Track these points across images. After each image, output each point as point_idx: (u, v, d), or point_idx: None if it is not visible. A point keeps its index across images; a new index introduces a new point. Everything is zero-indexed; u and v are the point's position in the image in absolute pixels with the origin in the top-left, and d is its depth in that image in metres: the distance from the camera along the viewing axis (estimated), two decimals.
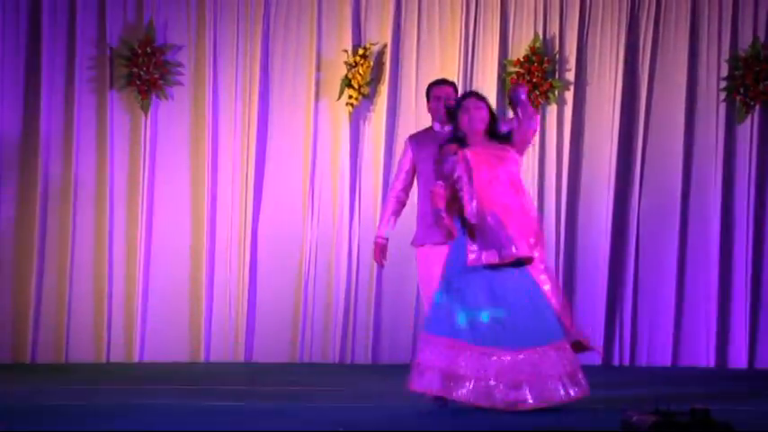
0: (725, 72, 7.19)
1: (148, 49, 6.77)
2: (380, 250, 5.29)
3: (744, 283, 7.15)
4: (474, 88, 7.05)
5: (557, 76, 7.13)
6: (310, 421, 4.64)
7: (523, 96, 4.84)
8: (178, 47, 6.90)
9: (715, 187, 7.19)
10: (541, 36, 7.10)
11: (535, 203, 6.83)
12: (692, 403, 3.91)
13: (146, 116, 6.85)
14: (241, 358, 6.90)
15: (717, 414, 3.74)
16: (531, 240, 4.76)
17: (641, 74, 7.18)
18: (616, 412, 4.06)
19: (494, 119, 4.90)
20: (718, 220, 7.18)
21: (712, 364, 7.11)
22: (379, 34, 7.06)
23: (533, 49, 7.06)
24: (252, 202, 6.95)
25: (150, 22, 6.82)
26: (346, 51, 6.93)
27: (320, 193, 7.02)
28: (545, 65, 7.05)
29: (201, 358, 6.85)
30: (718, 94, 7.21)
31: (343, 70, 6.95)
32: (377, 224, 6.93)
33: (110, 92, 6.84)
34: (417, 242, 5.22)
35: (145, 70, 6.77)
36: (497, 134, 4.88)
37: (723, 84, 7.20)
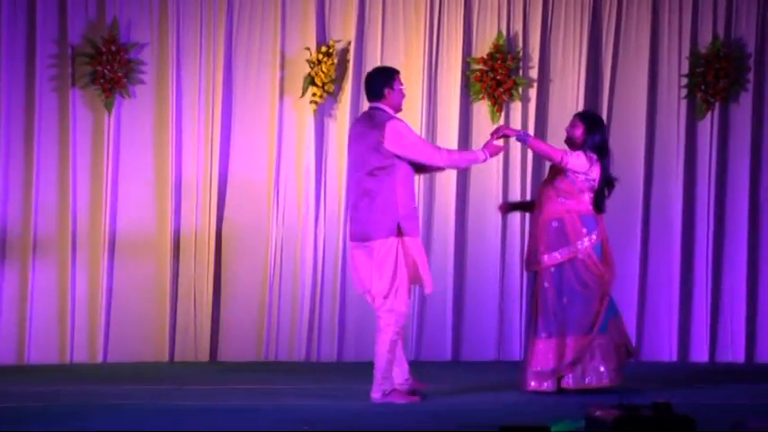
0: (685, 69, 7.27)
1: (112, 48, 6.71)
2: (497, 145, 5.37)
3: (705, 278, 7.24)
4: (438, 85, 7.11)
5: (520, 74, 7.17)
6: (276, 420, 4.63)
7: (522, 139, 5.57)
8: (141, 45, 6.85)
9: (676, 184, 7.27)
10: (505, 34, 7.14)
11: (500, 201, 6.90)
12: (654, 397, 3.95)
13: (109, 115, 6.78)
14: (206, 357, 6.86)
15: (679, 408, 3.79)
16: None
17: (603, 71, 7.24)
18: (581, 407, 4.09)
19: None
20: (680, 216, 7.25)
21: (675, 358, 7.19)
22: (343, 32, 7.05)
23: (497, 47, 7.09)
24: (216, 201, 6.92)
25: (114, 20, 6.76)
26: (308, 49, 6.92)
27: (285, 191, 7.00)
28: (509, 62, 7.09)
29: (166, 358, 6.81)
30: (679, 91, 7.29)
31: (308, 68, 6.93)
32: (342, 222, 7.00)
33: (72, 90, 6.77)
34: (409, 233, 5.14)
35: (109, 69, 6.71)
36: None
37: (684, 81, 7.28)
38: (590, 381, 5.40)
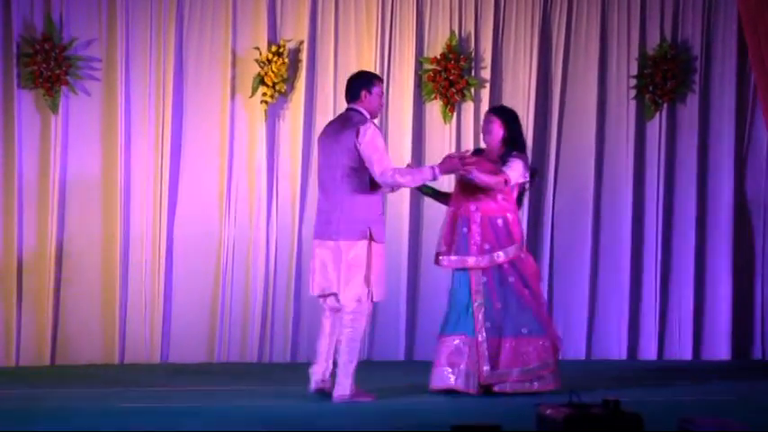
0: (634, 70, 7.37)
1: (46, 46, 6.58)
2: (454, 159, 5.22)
3: (653, 278, 7.34)
4: (391, 85, 7.12)
5: (473, 74, 7.21)
6: (228, 421, 4.60)
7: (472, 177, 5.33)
8: (87, 41, 6.74)
9: (626, 183, 7.36)
10: (457, 34, 7.17)
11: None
12: (604, 395, 3.99)
13: (55, 114, 6.67)
14: (157, 359, 6.80)
15: (627, 405, 3.83)
16: None
17: (554, 72, 7.31)
18: (531, 406, 4.12)
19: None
20: (630, 217, 7.35)
21: (624, 356, 7.29)
22: (295, 31, 7.02)
23: (450, 47, 7.12)
24: (167, 201, 6.84)
25: (48, 17, 6.63)
26: (258, 49, 6.88)
27: (237, 192, 6.96)
28: (461, 62, 7.12)
29: (116, 359, 6.73)
30: (628, 92, 7.39)
31: (258, 67, 6.89)
32: (295, 223, 6.97)
33: (17, 91, 6.64)
34: (377, 238, 5.17)
35: (45, 67, 6.58)
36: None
37: (633, 82, 7.38)
38: (530, 385, 5.32)
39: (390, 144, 5.57)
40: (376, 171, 5.12)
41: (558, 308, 7.28)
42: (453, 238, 5.44)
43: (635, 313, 7.33)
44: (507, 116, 5.54)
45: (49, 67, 6.56)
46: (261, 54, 6.86)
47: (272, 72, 6.84)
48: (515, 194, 5.49)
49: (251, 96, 6.91)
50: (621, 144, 7.36)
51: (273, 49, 6.88)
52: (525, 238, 5.76)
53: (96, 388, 5.70)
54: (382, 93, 5.41)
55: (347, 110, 5.33)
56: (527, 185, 5.59)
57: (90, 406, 4.97)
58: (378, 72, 6.99)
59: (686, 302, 7.37)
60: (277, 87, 6.89)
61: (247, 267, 6.91)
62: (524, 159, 5.50)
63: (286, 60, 6.90)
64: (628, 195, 7.34)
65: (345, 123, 5.25)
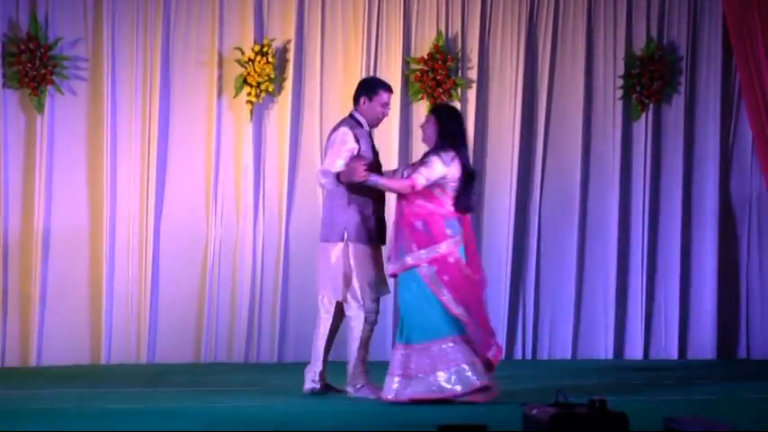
0: (621, 71, 7.39)
1: (31, 45, 6.56)
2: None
3: (640, 277, 7.37)
4: None
5: (459, 74, 7.21)
6: (215, 421, 4.60)
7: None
8: (73, 41, 6.72)
9: (612, 183, 7.38)
10: (444, 34, 7.17)
11: None
12: (590, 394, 4.00)
13: (41, 114, 6.64)
14: (144, 359, 6.78)
15: (613, 404, 3.84)
16: None
17: (541, 72, 7.33)
18: (518, 405, 4.13)
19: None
20: (616, 217, 7.37)
21: (610, 356, 7.31)
22: (281, 31, 7.01)
23: (437, 47, 7.12)
24: (153, 201, 6.82)
25: (33, 17, 6.61)
26: (240, 49, 6.86)
27: (224, 191, 6.94)
28: (448, 62, 7.13)
29: (102, 360, 6.71)
30: (614, 92, 7.41)
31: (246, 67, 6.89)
32: (282, 223, 6.97)
33: (2, 91, 6.61)
34: (360, 241, 5.24)
35: (30, 66, 6.56)
36: None
37: (620, 82, 7.40)
38: (463, 389, 5.03)
39: (377, 144, 5.54)
40: (321, 166, 5.34)
41: (545, 308, 7.30)
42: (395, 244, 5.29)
43: (621, 313, 7.35)
44: (443, 114, 5.30)
45: (35, 66, 6.54)
46: (243, 54, 6.85)
47: (255, 72, 6.83)
48: (448, 198, 5.17)
49: (235, 97, 6.90)
50: (608, 144, 7.39)
51: (256, 48, 6.87)
52: (459, 239, 5.21)
53: (82, 389, 5.68)
54: (387, 103, 5.33)
55: (348, 114, 5.41)
56: (468, 188, 5.18)
57: (76, 407, 4.95)
58: (364, 71, 7.00)
59: (672, 302, 7.40)
60: (263, 87, 6.87)
61: (234, 267, 6.90)
62: (443, 157, 5.13)
63: (271, 60, 6.89)
64: (614, 195, 7.37)
65: (336, 126, 5.38)
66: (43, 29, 6.61)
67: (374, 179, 5.17)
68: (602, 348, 7.32)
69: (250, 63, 6.83)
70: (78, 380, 6.08)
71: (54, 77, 6.61)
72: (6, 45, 6.60)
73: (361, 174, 5.10)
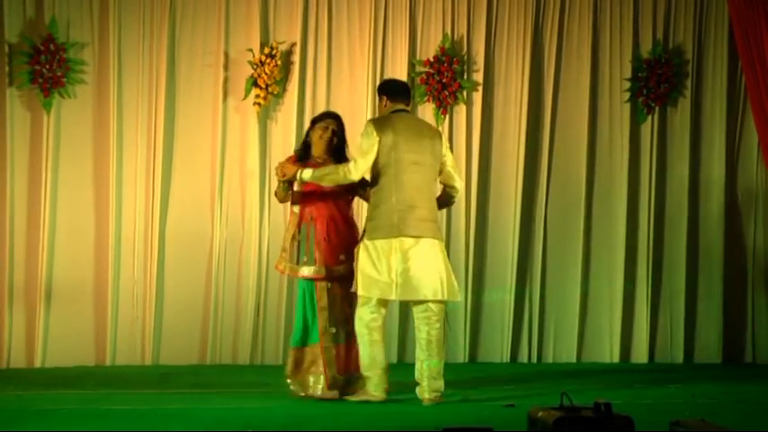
0: (627, 73, 7.38)
1: (51, 46, 6.61)
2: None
3: (646, 280, 7.36)
4: None
5: (465, 77, 7.22)
6: (220, 422, 4.60)
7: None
8: (81, 44, 6.74)
9: (620, 186, 7.38)
10: (450, 37, 7.18)
11: None
12: (595, 397, 4.00)
13: (48, 114, 6.67)
14: (149, 361, 6.78)
15: (619, 407, 3.84)
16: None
17: (546, 75, 7.32)
18: (523, 407, 4.12)
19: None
20: (623, 220, 7.36)
21: (616, 359, 7.30)
22: (287, 34, 7.03)
23: (443, 50, 7.13)
24: (159, 203, 6.84)
25: (53, 19, 6.66)
26: (251, 51, 6.88)
27: (229, 193, 6.95)
28: (454, 65, 7.13)
29: (108, 362, 6.71)
30: (621, 95, 7.40)
31: (251, 69, 6.89)
32: (286, 224, 6.95)
33: (8, 90, 6.63)
34: (370, 237, 5.20)
35: (47, 68, 6.60)
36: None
37: (626, 85, 7.39)
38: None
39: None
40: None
41: (550, 311, 7.29)
42: None
43: (627, 316, 7.34)
44: (341, 121, 5.40)
45: (52, 68, 6.57)
46: (254, 56, 6.86)
47: (265, 74, 6.85)
48: (349, 197, 5.34)
49: (244, 98, 6.91)
50: (614, 147, 7.38)
51: (266, 51, 6.88)
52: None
53: (88, 390, 5.68)
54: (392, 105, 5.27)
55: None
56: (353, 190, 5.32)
57: (81, 408, 4.96)
58: (370, 74, 7.01)
59: (678, 306, 7.38)
60: (270, 89, 6.89)
61: (239, 269, 6.91)
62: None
63: (279, 62, 6.90)
64: (620, 198, 7.36)
65: None
66: (60, 31, 6.64)
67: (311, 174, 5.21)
68: (608, 352, 7.31)
69: (260, 65, 6.85)
70: (83, 381, 6.08)
71: (65, 80, 6.63)
72: (19, 44, 6.61)
73: (289, 169, 5.19)
